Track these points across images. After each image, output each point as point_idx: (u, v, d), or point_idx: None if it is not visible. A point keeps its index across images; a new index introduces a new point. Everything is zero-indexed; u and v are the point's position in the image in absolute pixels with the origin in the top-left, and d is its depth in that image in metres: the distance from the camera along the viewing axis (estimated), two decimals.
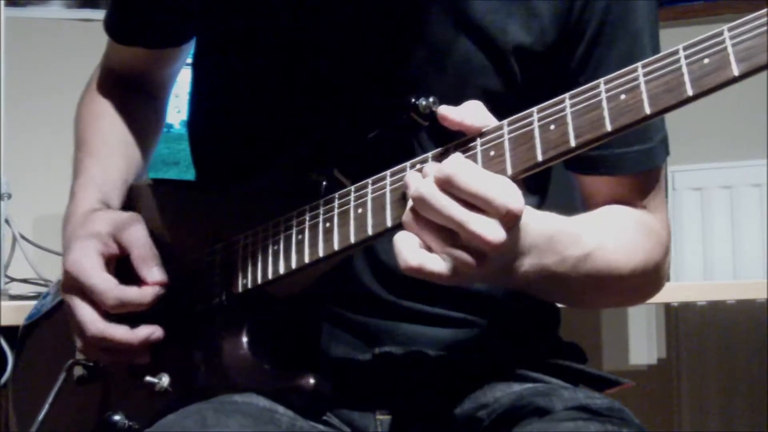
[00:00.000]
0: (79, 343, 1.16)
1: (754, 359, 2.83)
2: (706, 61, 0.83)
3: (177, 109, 1.94)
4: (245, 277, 1.11)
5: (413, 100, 1.03)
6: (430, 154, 0.98)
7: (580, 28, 1.14)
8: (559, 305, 1.29)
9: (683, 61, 0.84)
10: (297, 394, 1.07)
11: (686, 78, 0.84)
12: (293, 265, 1.06)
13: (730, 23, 0.82)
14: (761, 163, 2.61)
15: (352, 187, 1.03)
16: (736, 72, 0.81)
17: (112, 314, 1.13)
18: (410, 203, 0.93)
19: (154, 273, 1.14)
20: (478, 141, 0.96)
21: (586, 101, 0.90)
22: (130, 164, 1.29)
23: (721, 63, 0.82)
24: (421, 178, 0.94)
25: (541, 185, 1.23)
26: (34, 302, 1.41)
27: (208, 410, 1.02)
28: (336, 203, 1.03)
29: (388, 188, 0.99)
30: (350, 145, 1.09)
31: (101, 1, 2.58)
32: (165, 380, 1.13)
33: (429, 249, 0.92)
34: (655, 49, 1.16)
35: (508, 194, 0.89)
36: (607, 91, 0.89)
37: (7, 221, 2.08)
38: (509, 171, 0.92)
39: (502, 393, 1.15)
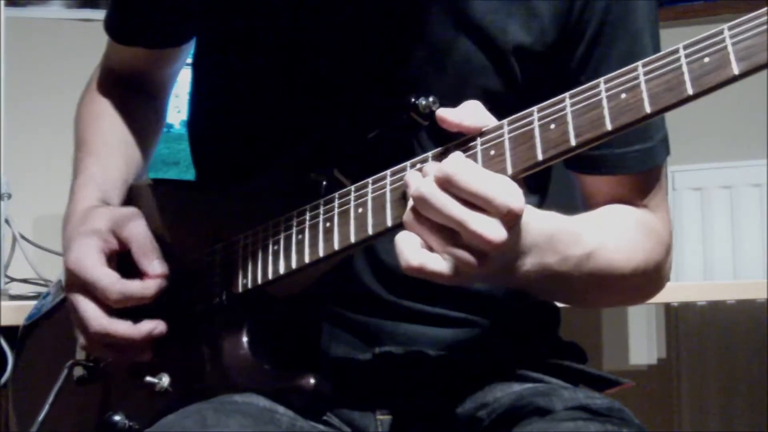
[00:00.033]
0: (82, 340, 1.16)
1: (754, 359, 2.83)
2: (706, 60, 0.83)
3: (177, 109, 1.94)
4: (245, 277, 1.11)
5: (413, 99, 1.03)
6: (430, 154, 0.98)
7: (581, 28, 1.14)
8: (560, 305, 1.29)
9: (683, 60, 0.84)
10: (297, 394, 1.07)
11: (686, 77, 0.84)
12: (293, 264, 1.06)
13: (730, 22, 0.83)
14: (761, 163, 2.61)
15: (353, 187, 1.03)
16: (736, 71, 0.81)
17: (116, 310, 1.13)
18: (411, 203, 0.93)
19: (155, 265, 1.14)
20: (479, 140, 0.96)
21: (587, 100, 0.90)
22: (130, 164, 1.29)
23: (721, 62, 0.82)
24: (421, 177, 0.94)
25: (541, 184, 1.23)
26: (34, 302, 1.41)
27: (208, 410, 1.02)
28: (336, 203, 1.03)
29: (388, 188, 0.99)
30: (350, 145, 1.09)
31: (101, 1, 2.58)
32: (165, 380, 1.13)
33: (430, 249, 0.92)
34: (656, 49, 1.16)
35: (508, 193, 0.90)
36: (608, 90, 0.89)
37: (7, 221, 2.08)
38: (509, 170, 0.92)
39: (502, 393, 1.15)
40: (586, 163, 1.16)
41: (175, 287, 1.15)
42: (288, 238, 1.07)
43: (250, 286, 1.10)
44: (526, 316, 1.23)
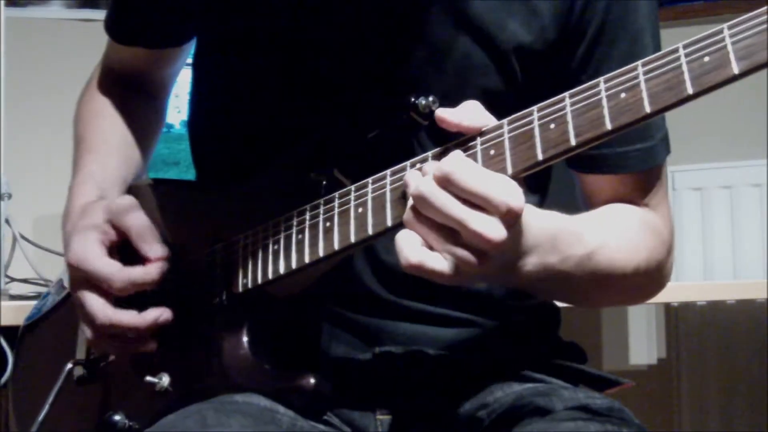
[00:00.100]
0: (88, 334, 1.16)
1: (754, 359, 2.83)
2: (706, 59, 0.83)
3: (177, 109, 1.94)
4: (245, 276, 1.11)
5: (413, 99, 1.03)
6: (430, 154, 0.98)
7: (581, 28, 1.14)
8: (560, 305, 1.28)
9: (683, 60, 0.84)
10: (297, 394, 1.07)
11: (686, 76, 0.84)
12: (293, 264, 1.06)
13: (730, 22, 0.83)
14: (761, 163, 2.61)
15: (353, 187, 1.03)
16: (736, 70, 0.81)
17: (121, 300, 1.13)
18: (410, 202, 0.93)
19: (155, 249, 1.14)
20: (478, 140, 0.96)
21: (586, 100, 0.90)
22: (129, 163, 1.29)
23: (721, 61, 0.82)
24: (420, 176, 0.94)
25: (541, 184, 1.23)
26: (34, 302, 1.41)
27: (208, 410, 1.02)
28: (336, 203, 1.03)
29: (388, 187, 0.99)
30: (350, 145, 1.09)
31: (101, 1, 2.58)
32: (165, 380, 1.13)
33: (430, 248, 0.92)
34: (657, 49, 1.16)
35: (508, 192, 0.89)
36: (607, 89, 0.89)
37: (7, 221, 2.08)
38: (509, 170, 0.92)
39: (503, 393, 1.15)
40: (586, 163, 1.16)
41: (176, 287, 1.15)
42: (288, 238, 1.07)
43: (250, 285, 1.10)
44: (527, 316, 1.23)
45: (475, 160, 0.94)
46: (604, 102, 0.89)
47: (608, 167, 1.16)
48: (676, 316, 2.89)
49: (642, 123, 0.88)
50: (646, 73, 0.87)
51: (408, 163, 0.99)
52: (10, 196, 2.06)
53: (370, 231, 0.99)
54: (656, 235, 1.16)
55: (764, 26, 0.80)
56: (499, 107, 0.97)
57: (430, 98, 1.03)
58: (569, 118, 0.90)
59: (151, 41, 1.30)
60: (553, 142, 0.91)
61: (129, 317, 1.12)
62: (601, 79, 0.90)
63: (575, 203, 1.20)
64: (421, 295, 1.16)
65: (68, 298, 1.30)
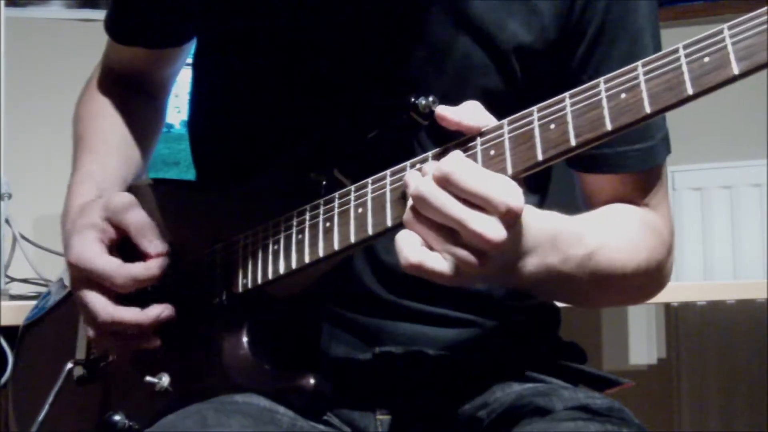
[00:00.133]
0: (91, 332, 1.16)
1: (754, 359, 2.83)
2: (706, 59, 0.83)
3: (177, 109, 1.94)
4: (245, 277, 1.11)
5: (413, 99, 1.03)
6: (430, 153, 0.98)
7: (581, 28, 1.14)
8: (560, 305, 1.29)
9: (683, 60, 0.84)
10: (297, 395, 1.07)
11: (686, 77, 0.84)
12: (293, 264, 1.06)
13: (730, 22, 0.82)
14: (761, 163, 2.61)
15: (352, 187, 1.03)
16: (736, 71, 0.81)
17: (123, 298, 1.13)
18: (410, 202, 0.93)
19: (155, 245, 1.14)
20: (478, 140, 0.95)
21: (586, 100, 0.90)
22: (129, 163, 1.29)
23: (721, 61, 0.82)
24: (420, 176, 0.94)
25: (541, 184, 1.23)
26: (34, 302, 1.41)
27: (208, 410, 1.02)
28: (336, 203, 1.03)
29: (388, 187, 0.99)
30: (350, 144, 1.09)
31: (101, 1, 2.58)
32: (165, 380, 1.13)
33: (431, 248, 0.92)
34: (657, 49, 1.16)
35: (508, 192, 0.89)
36: (607, 90, 0.89)
37: (7, 221, 2.08)
38: (509, 170, 0.92)
39: (502, 393, 1.15)
40: (587, 162, 1.16)
41: (176, 287, 1.15)
42: (288, 238, 1.07)
43: (250, 286, 1.10)
44: (526, 317, 1.23)
45: (475, 160, 0.94)
46: (604, 102, 0.89)
47: (608, 167, 1.16)
48: (676, 316, 2.89)
49: (642, 123, 0.88)
50: (646, 73, 0.87)
51: (408, 163, 0.99)
52: (10, 196, 2.06)
53: (370, 231, 0.99)
54: (656, 235, 1.16)
55: (764, 26, 0.80)
56: (499, 107, 0.97)
57: (430, 98, 1.03)
58: (569, 118, 0.90)
59: (151, 41, 1.31)
60: (553, 142, 0.91)
61: (131, 314, 1.12)
62: (601, 79, 0.90)
63: (575, 203, 1.20)
64: (421, 295, 1.16)
65: (68, 297, 1.30)
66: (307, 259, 1.04)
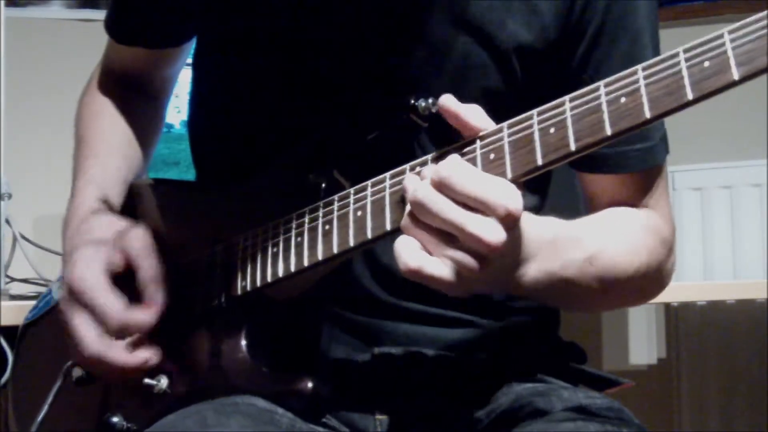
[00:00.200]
0: (74, 355, 1.15)
1: (754, 359, 2.83)
2: (706, 64, 0.83)
3: (177, 109, 1.94)
4: (244, 279, 1.11)
5: (413, 101, 1.03)
6: (429, 157, 0.98)
7: (581, 28, 1.14)
8: None
9: (683, 64, 0.84)
10: (295, 398, 1.06)
11: (686, 81, 0.84)
12: (292, 267, 1.06)
13: (730, 25, 0.82)
14: (761, 163, 2.61)
15: (351, 190, 1.02)
16: (736, 76, 0.81)
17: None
18: (408, 207, 0.93)
19: (160, 297, 1.13)
20: (478, 144, 0.95)
21: (586, 104, 0.90)
22: (130, 164, 1.29)
23: (721, 66, 0.82)
24: (419, 181, 0.94)
25: (541, 185, 1.22)
26: (34, 302, 1.41)
27: (208, 411, 1.02)
28: (335, 206, 1.03)
29: (387, 191, 0.99)
30: (350, 145, 1.09)
31: (101, 1, 2.58)
32: (164, 382, 1.13)
33: (430, 254, 0.92)
34: (656, 48, 1.16)
35: (507, 196, 0.89)
36: (607, 94, 0.88)
37: (7, 221, 2.08)
38: (509, 174, 0.92)
39: (502, 393, 1.15)
40: (587, 162, 1.16)
41: (175, 288, 1.15)
42: (287, 241, 1.07)
43: (249, 288, 1.10)
44: (526, 317, 1.23)
45: (475, 163, 0.94)
46: (604, 107, 0.88)
47: (608, 167, 1.16)
48: (676, 316, 2.89)
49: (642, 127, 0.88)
50: (646, 77, 0.86)
51: (407, 166, 0.99)
52: (10, 196, 2.06)
53: (369, 234, 0.99)
54: (657, 235, 1.16)
55: (764, 31, 0.79)
56: (499, 107, 0.97)
57: (430, 100, 1.03)
58: (569, 122, 0.90)
59: (151, 41, 1.30)
60: (552, 146, 0.91)
61: (119, 356, 1.11)
62: (601, 83, 0.89)
63: (575, 205, 1.19)
64: (421, 296, 1.15)
65: None
66: (305, 262, 1.04)
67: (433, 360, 1.16)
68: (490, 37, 1.13)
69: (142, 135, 1.33)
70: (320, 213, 1.04)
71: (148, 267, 1.13)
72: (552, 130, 0.91)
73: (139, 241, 1.15)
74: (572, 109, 0.90)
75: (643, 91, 0.86)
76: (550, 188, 1.24)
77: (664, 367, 2.85)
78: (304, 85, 1.16)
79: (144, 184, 1.29)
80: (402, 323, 1.16)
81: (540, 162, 0.91)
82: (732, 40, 0.81)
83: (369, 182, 1.01)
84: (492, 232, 0.89)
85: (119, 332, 1.11)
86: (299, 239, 1.05)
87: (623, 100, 0.87)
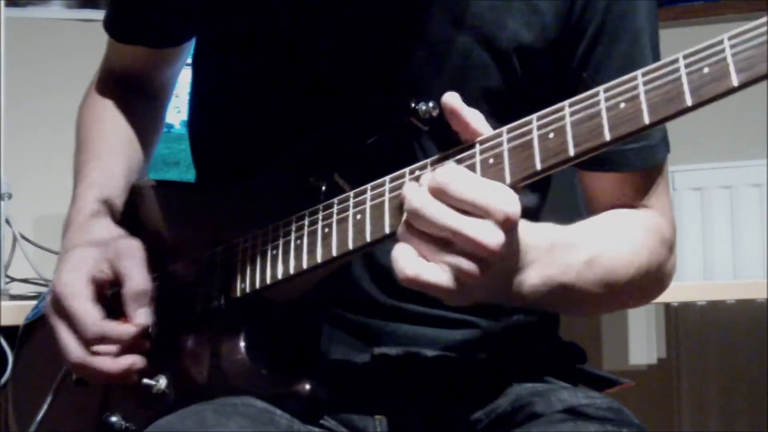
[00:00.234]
0: (63, 361, 1.15)
1: (754, 359, 2.83)
2: (705, 70, 0.82)
3: (177, 109, 1.94)
4: (244, 281, 1.10)
5: (413, 104, 1.03)
6: (429, 161, 0.98)
7: (582, 27, 1.14)
8: None
9: (683, 71, 0.84)
10: (293, 400, 1.06)
11: (686, 87, 0.83)
12: (291, 270, 1.05)
13: (730, 28, 0.82)
14: (761, 163, 2.60)
15: (351, 193, 1.02)
16: (735, 82, 0.81)
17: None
18: (405, 216, 0.92)
19: (140, 314, 1.12)
20: (477, 148, 0.95)
21: (586, 109, 0.89)
22: (131, 165, 1.29)
23: (720, 73, 0.81)
24: (417, 188, 0.93)
25: (541, 184, 1.22)
26: (34, 302, 1.41)
27: (207, 411, 1.02)
28: (335, 209, 1.03)
29: (386, 196, 0.98)
30: (350, 147, 1.09)
31: (101, 1, 2.58)
32: (162, 382, 1.13)
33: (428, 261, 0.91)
34: (655, 49, 1.16)
35: (506, 201, 0.89)
36: (607, 99, 0.88)
37: (7, 221, 2.08)
38: (508, 179, 0.92)
39: (502, 393, 1.15)
40: (588, 160, 1.15)
41: (175, 288, 1.15)
42: (287, 244, 1.06)
43: (248, 290, 1.10)
44: (526, 317, 1.23)
45: (474, 168, 0.93)
46: (604, 112, 0.88)
47: (610, 165, 1.16)
48: (676, 316, 2.89)
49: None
50: (645, 83, 0.86)
51: (407, 170, 0.98)
52: (10, 196, 2.06)
53: (368, 238, 0.99)
54: (657, 235, 1.16)
55: (764, 38, 0.79)
56: (499, 107, 0.97)
57: (431, 104, 1.02)
58: (568, 127, 0.90)
59: (151, 40, 1.30)
60: (552, 151, 0.90)
61: (102, 363, 1.10)
62: (601, 88, 0.89)
63: (576, 206, 1.19)
64: (421, 297, 1.15)
65: None
66: (305, 265, 1.04)
67: (433, 360, 1.16)
68: (491, 37, 1.13)
69: (142, 135, 1.33)
70: (320, 216, 1.04)
71: (133, 283, 1.12)
72: (551, 135, 0.90)
73: (128, 254, 1.14)
74: (572, 114, 0.90)
75: (642, 97, 0.86)
76: (550, 190, 1.24)
77: (664, 367, 2.85)
78: (304, 85, 1.16)
79: (146, 185, 1.29)
80: (402, 324, 1.16)
81: (539, 167, 0.91)
82: (732, 46, 0.81)
83: (369, 186, 1.01)
84: (490, 235, 0.88)
85: (95, 342, 1.10)
86: (299, 242, 1.05)
87: (623, 105, 0.87)
